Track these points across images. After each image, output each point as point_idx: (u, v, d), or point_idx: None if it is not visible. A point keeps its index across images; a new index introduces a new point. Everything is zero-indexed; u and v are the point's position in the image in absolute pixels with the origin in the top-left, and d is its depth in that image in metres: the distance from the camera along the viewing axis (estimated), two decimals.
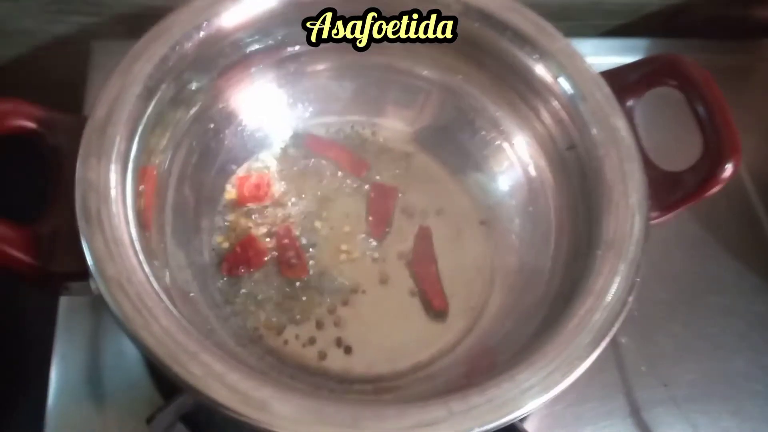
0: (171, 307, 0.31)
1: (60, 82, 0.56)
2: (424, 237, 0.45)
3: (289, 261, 0.43)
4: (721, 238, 0.52)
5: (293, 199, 0.45)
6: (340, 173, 0.47)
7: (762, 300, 0.49)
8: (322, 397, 0.30)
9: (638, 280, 0.34)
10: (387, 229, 0.45)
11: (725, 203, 0.53)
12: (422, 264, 0.44)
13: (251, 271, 0.42)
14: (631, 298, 0.33)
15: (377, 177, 0.47)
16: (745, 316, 0.49)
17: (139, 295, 0.30)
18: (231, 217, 0.44)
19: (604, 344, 0.32)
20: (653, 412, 0.44)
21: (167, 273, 0.38)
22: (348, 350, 0.41)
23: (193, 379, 0.29)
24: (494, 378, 0.30)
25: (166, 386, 0.40)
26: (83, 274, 0.32)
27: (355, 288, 0.43)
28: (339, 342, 0.41)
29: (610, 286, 0.33)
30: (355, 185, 0.46)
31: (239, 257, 0.42)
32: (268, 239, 0.44)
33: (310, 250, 0.44)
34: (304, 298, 0.42)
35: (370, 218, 0.45)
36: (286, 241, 0.43)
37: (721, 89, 0.42)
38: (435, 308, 0.42)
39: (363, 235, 0.45)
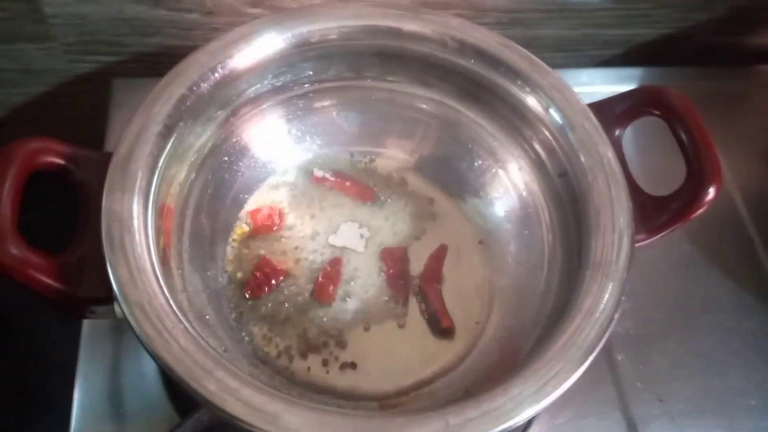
0: (189, 328, 0.33)
1: (82, 118, 0.59)
2: (437, 256, 0.47)
3: (324, 285, 0.45)
4: (714, 258, 0.53)
5: (304, 227, 0.47)
6: (348, 201, 0.49)
7: (754, 317, 0.50)
8: (329, 411, 0.32)
9: (624, 298, 0.36)
10: (409, 290, 0.46)
11: (718, 224, 0.54)
12: (430, 282, 0.46)
13: (273, 288, 0.44)
14: (617, 315, 0.35)
15: (386, 200, 0.49)
16: (738, 333, 0.50)
17: (159, 318, 0.32)
18: (244, 244, 0.46)
19: (591, 358, 0.33)
20: (649, 427, 0.45)
21: (185, 297, 0.39)
22: (354, 370, 0.42)
23: (209, 394, 0.31)
24: (489, 391, 0.32)
25: (183, 405, 0.42)
26: (108, 298, 0.34)
27: (366, 315, 0.44)
28: (346, 362, 0.42)
29: (598, 304, 0.35)
30: (363, 213, 0.48)
31: (259, 279, 0.44)
32: (282, 262, 0.46)
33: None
34: (315, 321, 0.44)
35: (391, 290, 0.45)
36: (330, 268, 0.45)
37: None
38: (444, 326, 0.44)
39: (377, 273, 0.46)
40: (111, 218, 0.35)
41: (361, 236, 0.47)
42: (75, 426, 0.41)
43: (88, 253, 0.35)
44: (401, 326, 0.44)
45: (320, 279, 0.45)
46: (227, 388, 0.31)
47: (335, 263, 0.46)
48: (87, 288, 0.35)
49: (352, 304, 0.45)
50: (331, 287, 0.45)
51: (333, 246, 0.47)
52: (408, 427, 0.31)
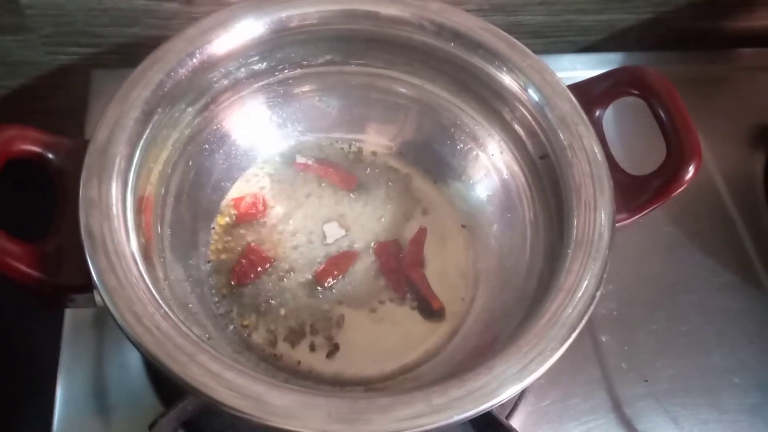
0: (170, 313, 0.33)
1: (61, 109, 0.58)
2: (417, 240, 0.47)
3: (327, 272, 0.45)
4: (696, 238, 0.53)
5: (287, 215, 0.47)
6: (330, 188, 0.48)
7: (737, 297, 0.51)
8: (314, 393, 0.32)
9: (606, 276, 0.36)
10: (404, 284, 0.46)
11: (700, 205, 0.55)
12: (413, 267, 0.46)
13: (259, 275, 0.44)
14: (599, 294, 0.35)
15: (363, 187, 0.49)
16: (721, 313, 0.50)
17: (139, 304, 0.32)
18: (228, 232, 0.46)
19: (574, 336, 0.33)
20: (635, 407, 0.46)
21: (167, 286, 0.39)
22: (340, 355, 0.42)
23: (191, 379, 0.30)
24: (473, 370, 0.32)
25: (167, 394, 0.42)
26: (87, 286, 0.33)
27: (351, 302, 0.44)
28: (331, 348, 0.42)
29: (580, 283, 0.35)
30: (347, 200, 0.48)
31: (245, 266, 0.44)
32: (268, 250, 0.45)
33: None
34: (300, 308, 0.44)
35: (390, 284, 0.45)
36: (340, 259, 0.45)
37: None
38: (435, 308, 0.44)
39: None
40: (89, 205, 0.34)
41: (342, 228, 0.47)
42: (59, 418, 0.41)
43: (67, 240, 0.35)
44: (386, 312, 0.44)
45: (325, 266, 0.45)
46: (210, 371, 0.31)
47: (349, 257, 0.46)
48: (66, 276, 0.35)
49: (338, 292, 0.45)
50: (335, 272, 0.45)
51: (322, 235, 0.47)
52: (392, 407, 0.31)
